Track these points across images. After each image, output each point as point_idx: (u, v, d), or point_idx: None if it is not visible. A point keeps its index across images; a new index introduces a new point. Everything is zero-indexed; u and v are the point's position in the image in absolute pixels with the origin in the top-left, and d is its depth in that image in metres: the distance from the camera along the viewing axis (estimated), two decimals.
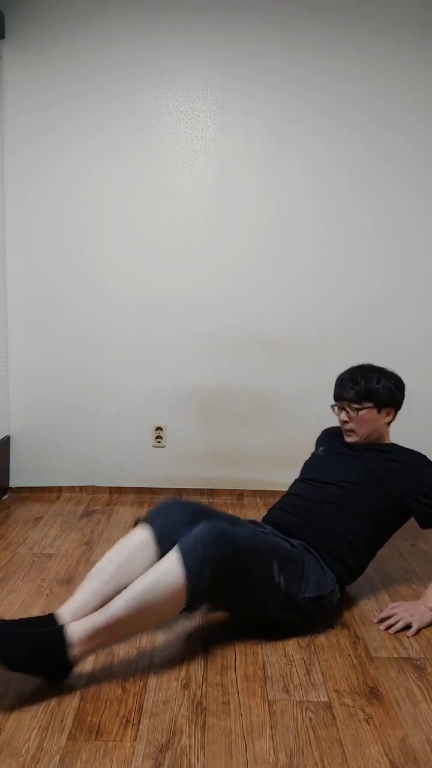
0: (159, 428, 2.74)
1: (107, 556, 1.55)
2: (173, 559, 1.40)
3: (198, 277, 2.63)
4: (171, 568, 1.39)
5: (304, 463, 2.00)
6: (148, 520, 1.60)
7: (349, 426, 1.84)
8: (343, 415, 1.84)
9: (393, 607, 1.73)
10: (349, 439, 1.87)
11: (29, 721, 1.28)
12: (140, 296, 2.64)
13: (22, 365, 2.69)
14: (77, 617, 1.40)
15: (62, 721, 1.28)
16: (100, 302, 2.65)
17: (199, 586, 1.39)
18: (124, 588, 1.41)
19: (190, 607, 1.42)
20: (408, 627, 1.66)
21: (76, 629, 1.33)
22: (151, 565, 1.45)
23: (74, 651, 1.32)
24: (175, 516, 1.59)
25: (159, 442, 2.75)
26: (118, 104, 2.53)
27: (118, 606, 1.35)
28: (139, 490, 2.76)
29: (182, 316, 2.65)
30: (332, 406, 1.89)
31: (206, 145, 2.56)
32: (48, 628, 1.36)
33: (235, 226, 2.61)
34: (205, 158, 2.57)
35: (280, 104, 2.53)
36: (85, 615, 1.39)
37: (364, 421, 1.81)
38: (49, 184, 2.57)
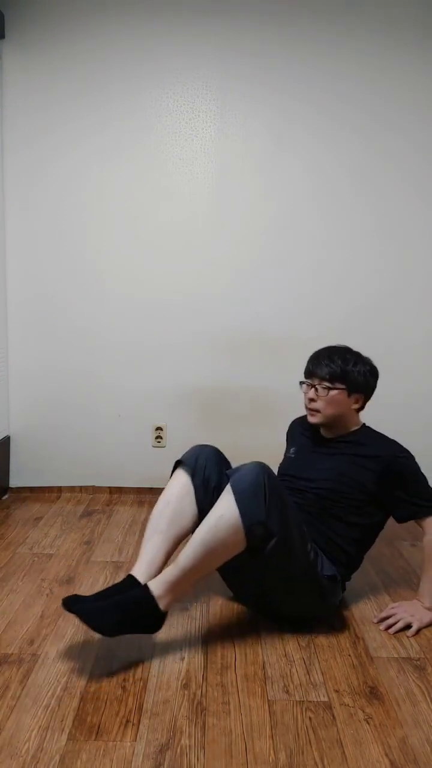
0: (159, 428, 2.74)
1: (158, 508, 1.69)
2: (228, 500, 1.47)
3: (198, 277, 2.63)
4: (226, 509, 1.46)
5: (279, 466, 1.94)
6: (183, 462, 1.74)
7: (315, 405, 1.75)
8: (311, 393, 1.76)
9: (393, 607, 1.73)
10: (311, 419, 1.78)
11: (29, 721, 1.28)
12: (140, 296, 2.65)
13: (22, 365, 2.69)
14: (151, 573, 1.56)
15: (62, 721, 1.28)
16: (100, 302, 2.65)
17: (256, 521, 1.45)
18: (181, 533, 1.64)
19: (255, 542, 1.48)
20: (408, 627, 1.66)
21: (157, 586, 1.47)
22: (195, 504, 1.66)
23: (163, 603, 1.47)
24: (206, 455, 1.75)
25: (159, 442, 2.75)
26: (118, 104, 2.53)
27: (186, 557, 1.47)
28: (139, 490, 2.76)
29: (182, 316, 2.65)
30: (301, 383, 1.81)
31: (206, 145, 2.56)
32: (133, 592, 1.49)
33: (235, 226, 2.61)
34: (205, 158, 2.57)
35: (280, 104, 2.53)
36: (158, 569, 1.57)
37: (331, 402, 1.73)
38: (49, 184, 2.57)
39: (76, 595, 1.49)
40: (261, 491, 1.47)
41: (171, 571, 1.48)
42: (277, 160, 2.56)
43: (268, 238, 2.61)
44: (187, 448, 2.80)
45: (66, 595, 1.59)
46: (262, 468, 1.52)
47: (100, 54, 2.49)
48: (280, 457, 2.70)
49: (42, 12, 2.47)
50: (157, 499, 2.70)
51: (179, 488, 1.70)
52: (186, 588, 1.52)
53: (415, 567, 2.08)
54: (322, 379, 1.74)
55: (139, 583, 1.55)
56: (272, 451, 2.75)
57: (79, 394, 2.71)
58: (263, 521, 1.46)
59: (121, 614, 1.43)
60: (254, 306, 2.65)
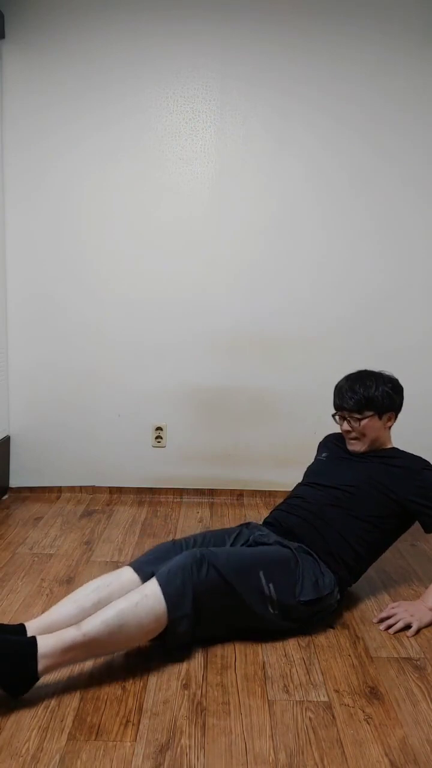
0: (159, 428, 2.74)
1: (90, 585, 1.53)
2: (153, 587, 1.41)
3: (198, 276, 2.63)
4: (151, 593, 1.40)
5: (307, 468, 2.00)
6: (136, 563, 1.61)
7: (353, 435, 1.84)
8: (345, 425, 1.84)
9: (393, 607, 1.73)
10: (352, 448, 1.86)
11: (29, 721, 1.28)
12: (140, 296, 2.65)
13: (22, 365, 2.69)
14: (47, 633, 1.38)
15: (62, 721, 1.28)
16: (100, 302, 2.65)
17: (180, 614, 1.41)
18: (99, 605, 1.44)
19: (173, 637, 1.43)
20: (408, 627, 1.66)
21: (49, 641, 1.31)
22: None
23: (43, 663, 1.30)
24: (162, 556, 1.60)
25: (159, 442, 2.75)
26: (118, 104, 2.53)
27: (95, 623, 1.34)
28: (139, 490, 2.76)
29: (182, 315, 2.65)
30: (333, 416, 1.89)
31: (206, 145, 2.56)
32: (17, 637, 1.33)
33: (235, 226, 2.61)
34: (205, 158, 2.57)
35: (280, 104, 2.53)
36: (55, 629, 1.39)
37: (366, 429, 1.81)
38: (49, 184, 2.57)
39: None
40: (189, 585, 1.43)
41: (70, 634, 1.32)
42: (277, 160, 2.56)
43: (268, 238, 2.61)
44: (187, 448, 2.82)
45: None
46: (191, 557, 1.47)
47: (100, 54, 2.49)
48: (281, 457, 2.72)
49: (42, 12, 2.47)
50: (157, 499, 2.73)
51: (126, 579, 1.55)
52: (77, 657, 1.35)
53: (415, 567, 2.08)
54: (351, 411, 1.81)
55: (24, 633, 1.40)
56: (272, 451, 2.76)
57: (79, 394, 2.71)
58: (189, 614, 1.42)
59: None
60: (254, 306, 2.65)
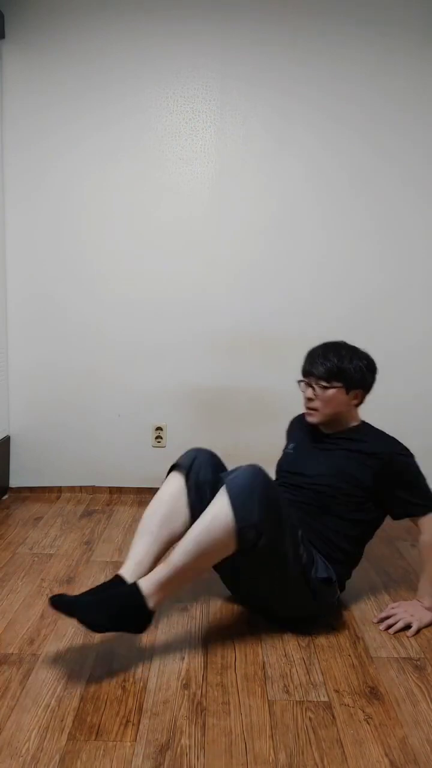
0: (159, 428, 2.74)
1: (151, 509, 1.67)
2: (223, 502, 1.46)
3: (198, 276, 2.63)
4: (220, 511, 1.45)
5: (277, 463, 1.93)
6: (178, 465, 1.73)
7: (313, 404, 1.74)
8: (309, 392, 1.74)
9: (393, 607, 1.73)
10: (310, 419, 1.77)
11: (29, 721, 1.28)
12: (140, 296, 2.65)
13: (22, 365, 2.69)
14: (140, 573, 1.54)
15: (62, 721, 1.28)
16: (100, 302, 2.65)
17: (248, 524, 1.44)
18: (171, 536, 1.62)
19: (245, 545, 1.46)
20: (408, 627, 1.66)
21: (146, 584, 1.45)
22: (188, 507, 1.64)
23: (152, 602, 1.44)
24: (201, 459, 1.73)
25: (159, 442, 2.75)
26: (118, 104, 2.53)
27: (179, 556, 1.45)
28: (139, 490, 2.76)
29: (182, 315, 2.65)
30: (299, 382, 1.80)
31: (206, 145, 2.56)
32: (122, 588, 1.49)
33: (235, 226, 2.61)
34: (205, 158, 2.57)
35: (280, 104, 2.53)
36: (146, 570, 1.54)
37: (329, 401, 1.71)
38: (49, 184, 2.57)
39: (62, 594, 1.47)
40: (255, 494, 1.46)
41: (162, 570, 1.46)
42: (277, 160, 2.56)
43: (268, 238, 2.61)
44: (187, 449, 2.81)
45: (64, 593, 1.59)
46: (258, 471, 1.52)
47: (100, 54, 2.49)
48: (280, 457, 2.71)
49: (42, 12, 2.47)
50: None
51: (172, 491, 1.68)
52: (175, 587, 1.49)
53: (415, 567, 2.08)
54: (319, 377, 1.72)
55: (125, 583, 1.53)
56: (272, 451, 2.74)
57: (79, 394, 2.71)
58: (256, 524, 1.45)
59: (109, 610, 1.41)
60: (254, 306, 2.65)
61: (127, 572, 1.56)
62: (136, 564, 1.57)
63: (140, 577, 1.50)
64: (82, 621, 1.39)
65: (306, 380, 1.77)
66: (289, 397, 2.71)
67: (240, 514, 1.44)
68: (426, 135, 2.55)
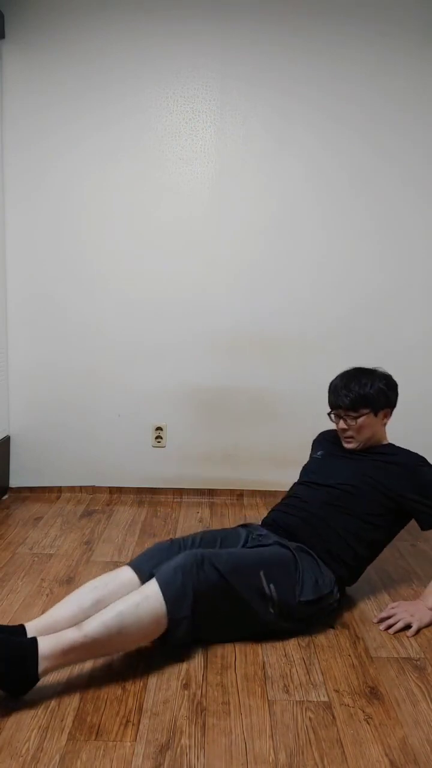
0: (159, 428, 2.74)
1: (90, 585, 1.53)
2: (153, 588, 1.41)
3: (198, 276, 2.63)
4: (152, 594, 1.40)
5: (303, 467, 1.99)
6: (135, 562, 1.61)
7: (349, 434, 1.83)
8: (341, 424, 1.83)
9: (393, 607, 1.73)
10: (348, 446, 1.85)
11: (29, 721, 1.28)
12: (140, 296, 2.64)
13: (22, 365, 2.69)
14: (47, 634, 1.37)
15: (62, 721, 1.28)
16: (100, 302, 2.65)
17: (180, 616, 1.41)
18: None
19: (173, 638, 1.43)
20: (408, 627, 1.66)
21: (49, 643, 1.31)
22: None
23: (43, 665, 1.30)
24: (160, 556, 1.60)
25: (159, 442, 2.75)
26: (118, 104, 2.53)
27: (96, 625, 1.34)
28: (139, 490, 2.76)
29: (182, 315, 2.65)
30: (329, 414, 1.88)
31: (206, 145, 2.56)
32: (17, 638, 1.33)
33: (235, 226, 2.61)
34: (205, 158, 2.57)
35: (280, 104, 2.53)
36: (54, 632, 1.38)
37: (362, 427, 1.80)
38: (49, 184, 2.57)
39: None
40: (189, 587, 1.42)
41: (70, 635, 1.32)
42: (277, 160, 2.56)
43: (268, 238, 2.61)
44: (187, 448, 2.82)
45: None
46: (191, 561, 1.46)
47: (99, 54, 2.49)
48: (280, 457, 2.72)
49: (42, 12, 2.47)
50: (157, 499, 2.73)
51: (126, 578, 1.55)
52: (77, 659, 1.36)
53: (415, 567, 2.08)
54: (347, 409, 1.79)
55: (25, 634, 1.40)
56: (272, 451, 2.76)
57: (79, 394, 2.71)
58: (188, 617, 1.41)
59: None
60: (254, 306, 2.65)
61: (35, 626, 1.42)
62: (46, 624, 1.42)
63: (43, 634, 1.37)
64: None
65: (335, 412, 1.85)
66: (289, 397, 2.72)
67: (172, 607, 1.40)
68: (426, 135, 2.55)
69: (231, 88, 2.52)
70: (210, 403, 2.72)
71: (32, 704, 1.33)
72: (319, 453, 1.98)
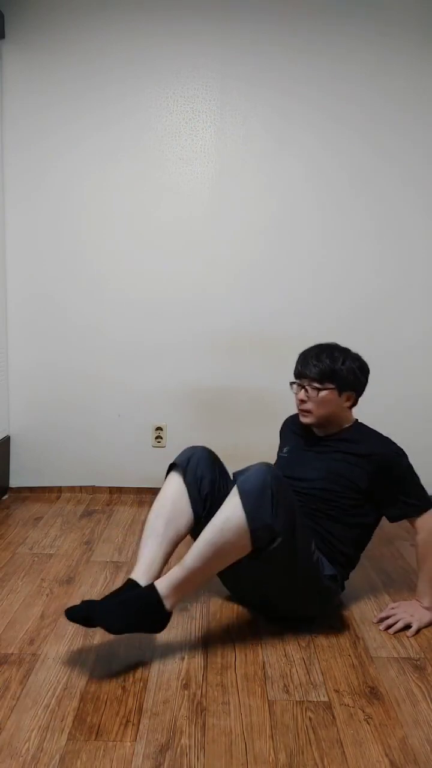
0: (159, 428, 2.74)
1: (154, 510, 1.67)
2: (235, 503, 1.46)
3: (198, 276, 2.63)
4: (233, 512, 1.45)
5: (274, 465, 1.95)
6: (176, 464, 1.74)
7: (306, 406, 1.74)
8: (302, 394, 1.74)
9: (393, 608, 1.73)
10: (303, 420, 1.78)
11: (29, 721, 1.28)
12: (140, 296, 2.65)
13: (22, 365, 2.69)
14: (151, 575, 1.55)
15: (62, 721, 1.28)
16: (100, 302, 2.65)
17: (261, 525, 1.44)
18: (177, 535, 1.63)
19: (260, 545, 1.46)
20: (408, 627, 1.66)
21: (163, 586, 1.47)
22: (190, 506, 1.66)
23: (168, 603, 1.46)
24: (198, 456, 1.74)
25: (159, 442, 2.75)
26: (118, 104, 2.53)
27: (193, 559, 1.46)
28: (139, 490, 2.76)
29: (182, 315, 2.65)
30: (291, 383, 1.80)
31: (206, 145, 2.56)
32: (140, 590, 1.50)
33: (235, 226, 2.61)
34: (205, 158, 2.57)
35: (280, 104, 2.53)
36: (157, 571, 1.57)
37: (322, 403, 1.72)
38: (49, 184, 2.57)
39: (74, 606, 1.45)
40: (268, 493, 1.45)
41: (176, 572, 1.47)
42: (276, 159, 2.56)
43: (268, 238, 2.61)
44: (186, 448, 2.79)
45: (66, 594, 1.59)
46: (269, 469, 1.51)
47: (99, 54, 2.49)
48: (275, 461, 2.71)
49: (42, 12, 2.47)
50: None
51: (173, 491, 1.69)
52: (191, 588, 1.51)
53: (415, 567, 2.08)
54: (312, 379, 1.72)
55: (140, 586, 1.53)
56: (272, 451, 2.75)
57: (79, 394, 2.71)
58: (269, 524, 1.44)
59: (128, 612, 1.43)
60: (254, 306, 2.65)
61: (139, 575, 1.56)
62: (146, 566, 1.58)
63: (152, 579, 1.53)
64: (104, 626, 1.41)
65: (298, 382, 1.78)
66: (289, 398, 2.70)
67: (253, 515, 1.43)
68: (426, 135, 2.55)
69: (231, 88, 2.52)
70: (210, 403, 2.72)
71: (32, 704, 1.33)
72: (285, 450, 1.93)
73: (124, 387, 2.71)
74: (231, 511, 1.45)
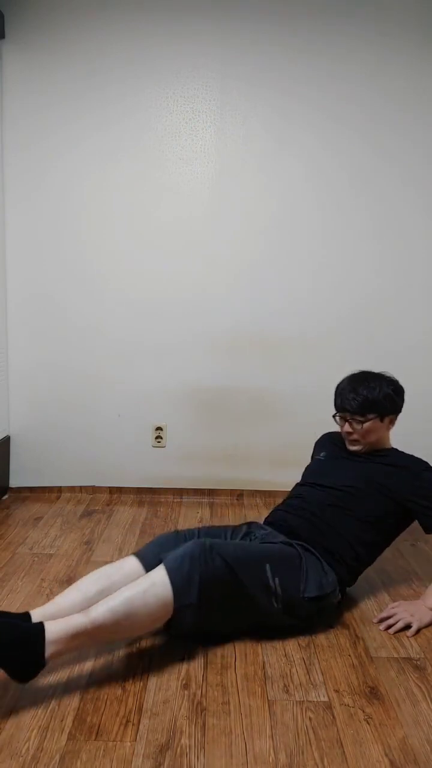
0: (159, 428, 2.74)
1: (94, 575, 1.55)
2: (161, 574, 1.41)
3: (198, 276, 2.63)
4: (159, 580, 1.41)
5: (306, 468, 1.99)
6: (140, 552, 1.63)
7: (354, 437, 1.83)
8: (347, 427, 1.82)
9: (393, 607, 1.73)
10: (352, 448, 1.85)
11: (29, 721, 1.28)
12: (140, 296, 2.64)
13: (22, 365, 2.69)
14: (47, 618, 1.39)
15: (62, 721, 1.28)
16: (100, 302, 2.65)
17: (187, 602, 1.41)
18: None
19: (179, 625, 1.43)
20: (408, 627, 1.66)
21: (56, 627, 1.31)
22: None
23: (50, 649, 1.29)
24: (165, 546, 1.61)
25: (159, 442, 2.75)
26: (118, 104, 2.53)
27: (103, 611, 1.34)
28: (139, 490, 2.76)
29: (182, 315, 2.65)
30: (334, 416, 1.87)
31: (206, 145, 2.56)
32: (25, 623, 1.34)
33: (235, 226, 2.61)
34: (205, 158, 2.57)
35: (280, 104, 2.52)
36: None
37: (368, 432, 1.80)
38: (49, 184, 2.57)
39: None
40: (195, 574, 1.42)
41: (77, 620, 1.32)
42: (276, 160, 2.56)
43: (268, 238, 2.61)
44: (187, 448, 2.82)
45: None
46: (200, 549, 1.46)
47: (99, 54, 2.49)
48: (280, 457, 2.72)
49: (42, 12, 2.47)
50: (157, 499, 2.73)
51: (130, 568, 1.57)
52: (83, 644, 1.36)
53: (415, 567, 2.08)
54: (354, 413, 1.78)
55: (30, 619, 1.41)
56: (272, 451, 2.76)
57: (79, 393, 2.71)
58: (194, 604, 1.41)
59: (7, 640, 1.26)
60: (254, 306, 2.65)
61: (40, 613, 1.43)
62: (55, 610, 1.44)
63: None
64: None
65: (341, 415, 1.83)
66: (289, 397, 2.72)
67: (179, 593, 1.40)
68: (426, 135, 2.55)
69: (231, 88, 2.52)
70: (210, 403, 2.72)
71: (32, 704, 1.33)
72: (321, 454, 1.98)
73: (124, 387, 2.71)
74: (157, 580, 1.40)
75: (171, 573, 1.41)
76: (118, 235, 2.61)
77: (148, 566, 1.54)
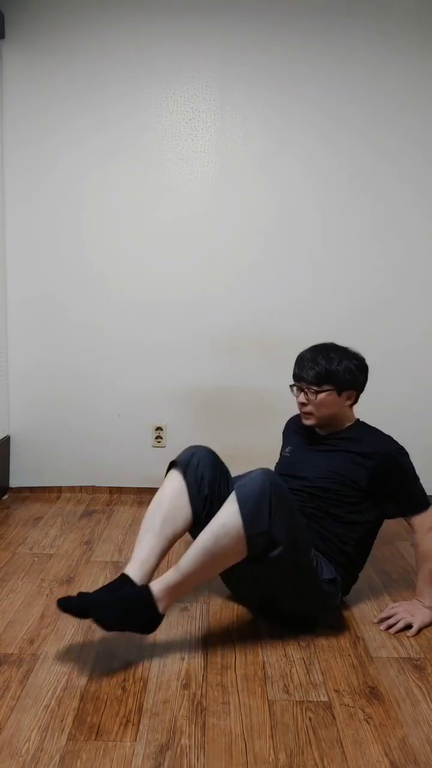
0: (159, 428, 2.74)
1: (152, 507, 1.68)
2: (232, 509, 1.45)
3: (198, 276, 2.63)
4: (230, 518, 1.44)
5: (275, 466, 1.92)
6: (177, 463, 1.73)
7: (307, 409, 1.75)
8: (302, 397, 1.74)
9: (393, 607, 1.73)
10: (306, 422, 1.78)
11: (29, 721, 1.28)
12: (140, 296, 2.65)
13: (22, 365, 2.69)
14: (145, 571, 1.57)
15: (62, 721, 1.28)
16: (100, 302, 2.65)
17: (257, 532, 1.43)
18: (174, 533, 1.63)
19: (255, 552, 1.46)
20: (408, 627, 1.66)
21: (158, 587, 1.48)
22: (189, 504, 1.65)
23: (161, 605, 1.48)
24: (199, 455, 1.73)
25: (159, 442, 2.75)
26: (117, 104, 2.53)
27: (188, 562, 1.47)
28: (139, 490, 2.76)
29: (182, 315, 2.65)
30: (291, 386, 1.80)
31: (206, 145, 2.56)
32: (135, 590, 1.51)
33: (235, 226, 2.61)
34: (205, 158, 2.57)
35: (280, 104, 2.53)
36: (151, 567, 1.58)
37: (322, 405, 1.72)
38: (49, 183, 2.57)
39: (67, 596, 1.47)
40: (266, 500, 1.44)
41: (171, 575, 1.48)
42: (276, 160, 2.56)
43: (268, 238, 2.61)
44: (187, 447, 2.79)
45: (66, 594, 1.58)
46: (269, 476, 1.49)
47: (99, 54, 2.49)
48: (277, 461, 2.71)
49: (42, 12, 2.47)
50: None
51: (172, 488, 1.69)
52: (185, 592, 1.52)
53: (415, 567, 2.08)
54: (309, 382, 1.72)
55: (133, 582, 1.54)
56: (273, 451, 2.74)
57: (79, 393, 2.71)
58: (266, 531, 1.43)
59: (123, 609, 1.44)
60: (254, 306, 2.65)
61: (133, 571, 1.57)
62: (141, 563, 1.58)
63: (145, 575, 1.55)
64: (97, 620, 1.42)
65: (297, 385, 1.77)
66: (289, 397, 2.69)
67: (249, 522, 1.42)
68: (426, 135, 2.55)
69: (231, 88, 2.52)
70: (210, 403, 2.72)
71: (32, 704, 1.33)
72: (287, 449, 1.92)
73: (124, 387, 2.71)
74: (227, 518, 1.44)
75: (241, 504, 1.44)
76: (118, 235, 2.61)
77: (189, 477, 1.68)
